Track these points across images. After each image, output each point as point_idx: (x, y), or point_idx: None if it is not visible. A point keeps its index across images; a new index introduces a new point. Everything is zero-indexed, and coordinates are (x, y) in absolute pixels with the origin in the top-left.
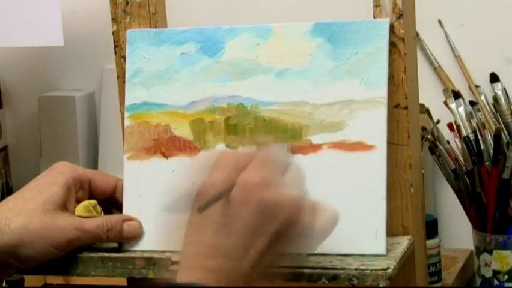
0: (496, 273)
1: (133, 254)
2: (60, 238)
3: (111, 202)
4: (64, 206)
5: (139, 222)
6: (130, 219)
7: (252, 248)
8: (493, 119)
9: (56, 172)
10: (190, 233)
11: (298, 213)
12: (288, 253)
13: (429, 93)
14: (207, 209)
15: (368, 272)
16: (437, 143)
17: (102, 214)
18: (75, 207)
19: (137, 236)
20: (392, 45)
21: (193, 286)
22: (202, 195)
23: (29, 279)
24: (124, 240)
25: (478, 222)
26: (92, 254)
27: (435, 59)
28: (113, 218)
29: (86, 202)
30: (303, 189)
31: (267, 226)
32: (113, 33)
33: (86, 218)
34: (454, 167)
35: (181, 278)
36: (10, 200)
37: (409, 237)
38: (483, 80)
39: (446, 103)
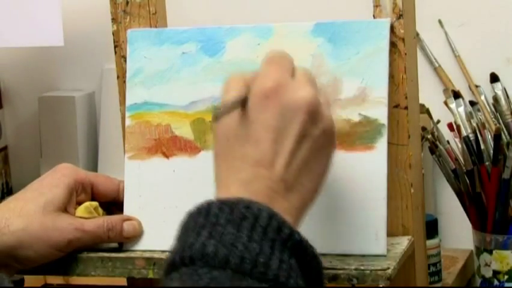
0: (496, 273)
1: (132, 254)
2: (60, 239)
3: (113, 203)
4: (65, 208)
5: (139, 221)
6: (130, 218)
7: (282, 151)
8: (493, 119)
9: (58, 174)
10: (218, 155)
11: (316, 108)
12: (319, 150)
13: (429, 93)
14: (223, 118)
15: (368, 272)
16: (437, 143)
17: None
18: (76, 209)
19: (137, 235)
20: (392, 45)
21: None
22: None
23: (29, 279)
24: (124, 240)
25: (478, 222)
26: (92, 254)
27: (435, 59)
28: (113, 218)
29: (87, 203)
30: (315, 85)
31: (290, 126)
32: (113, 33)
33: (87, 218)
34: (454, 167)
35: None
36: (11, 201)
37: (409, 237)
38: (483, 80)
39: (446, 103)
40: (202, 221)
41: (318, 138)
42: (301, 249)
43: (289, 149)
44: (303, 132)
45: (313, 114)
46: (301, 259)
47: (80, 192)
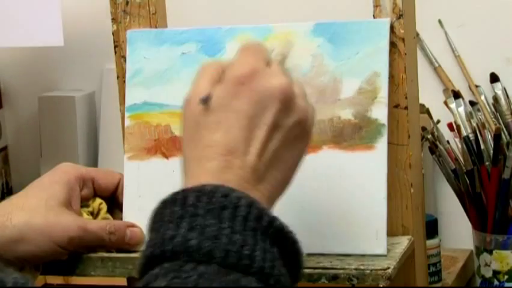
0: (496, 273)
1: (132, 254)
2: (61, 235)
3: (115, 202)
4: (69, 204)
5: (141, 230)
6: (133, 225)
7: (254, 140)
8: (493, 119)
9: (59, 171)
10: (186, 142)
11: (290, 98)
12: (291, 141)
13: (429, 93)
14: (206, 105)
15: (368, 272)
16: (437, 143)
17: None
18: (81, 207)
19: (139, 242)
20: (392, 45)
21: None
22: (193, 100)
23: None
24: (126, 246)
25: (478, 222)
26: (92, 254)
27: (435, 59)
28: (117, 222)
29: (90, 208)
30: (290, 76)
31: (264, 114)
32: (113, 33)
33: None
34: (454, 167)
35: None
36: (13, 198)
37: (409, 237)
38: (483, 80)
39: (446, 103)
40: (179, 211)
41: (291, 129)
42: (282, 236)
43: (262, 138)
44: (276, 122)
45: (287, 103)
46: (283, 245)
47: (82, 188)
